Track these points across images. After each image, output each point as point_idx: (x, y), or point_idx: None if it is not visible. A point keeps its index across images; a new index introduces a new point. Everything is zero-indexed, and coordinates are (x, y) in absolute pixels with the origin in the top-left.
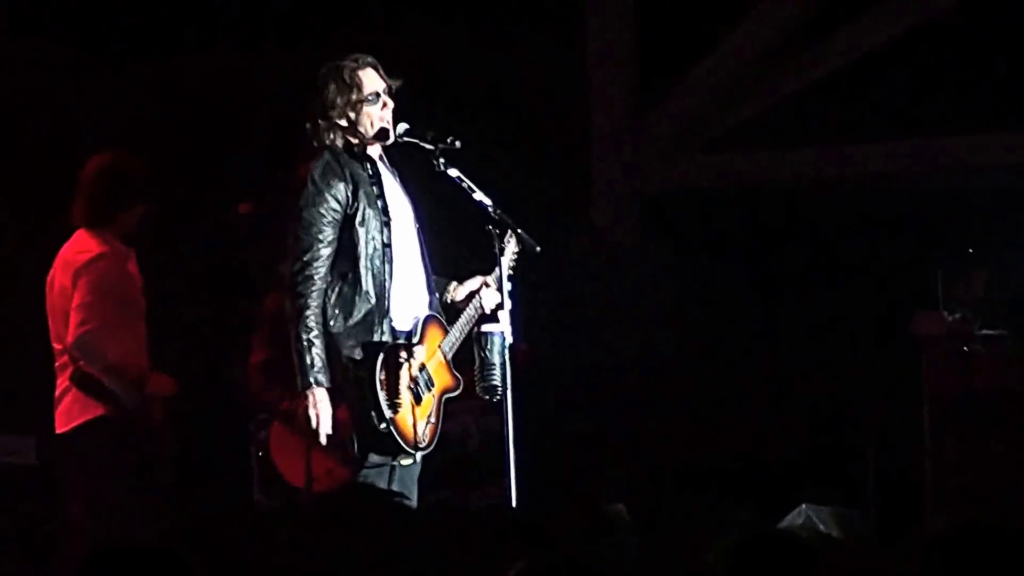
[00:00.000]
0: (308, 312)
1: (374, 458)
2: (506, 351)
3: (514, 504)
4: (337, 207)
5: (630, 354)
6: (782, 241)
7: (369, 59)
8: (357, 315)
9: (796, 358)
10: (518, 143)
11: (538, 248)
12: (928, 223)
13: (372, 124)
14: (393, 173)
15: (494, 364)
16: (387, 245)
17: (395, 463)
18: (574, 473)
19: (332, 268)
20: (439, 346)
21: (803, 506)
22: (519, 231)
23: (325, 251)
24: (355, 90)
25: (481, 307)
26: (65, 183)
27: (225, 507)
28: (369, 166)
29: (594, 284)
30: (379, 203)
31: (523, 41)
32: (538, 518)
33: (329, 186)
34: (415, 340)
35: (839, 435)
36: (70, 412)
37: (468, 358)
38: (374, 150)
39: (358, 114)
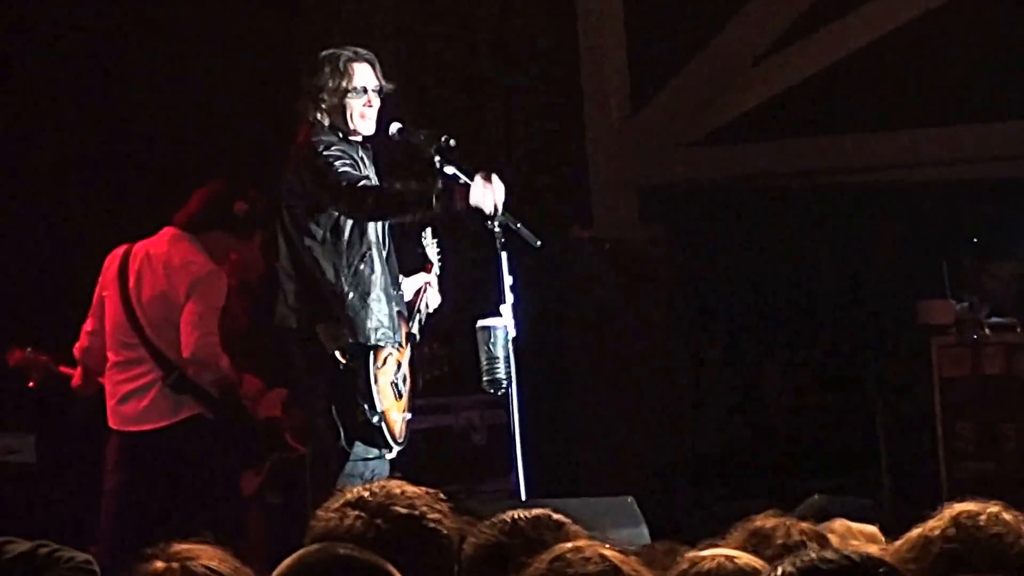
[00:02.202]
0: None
1: (358, 450)
2: (510, 345)
3: (523, 498)
4: (338, 150)
5: (631, 346)
6: (783, 232)
7: (367, 55)
8: (374, 292)
9: (802, 348)
10: (515, 138)
11: (538, 243)
12: (935, 212)
13: (352, 116)
14: (379, 175)
15: (498, 358)
16: (388, 226)
17: (379, 456)
18: (580, 466)
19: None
20: (408, 344)
21: (815, 496)
22: (519, 225)
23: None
24: (345, 79)
25: (427, 307)
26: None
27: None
28: (360, 149)
29: (593, 277)
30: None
31: (517, 35)
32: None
33: (325, 137)
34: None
35: (852, 423)
36: (161, 410)
37: (472, 352)
38: (360, 139)
39: (342, 102)
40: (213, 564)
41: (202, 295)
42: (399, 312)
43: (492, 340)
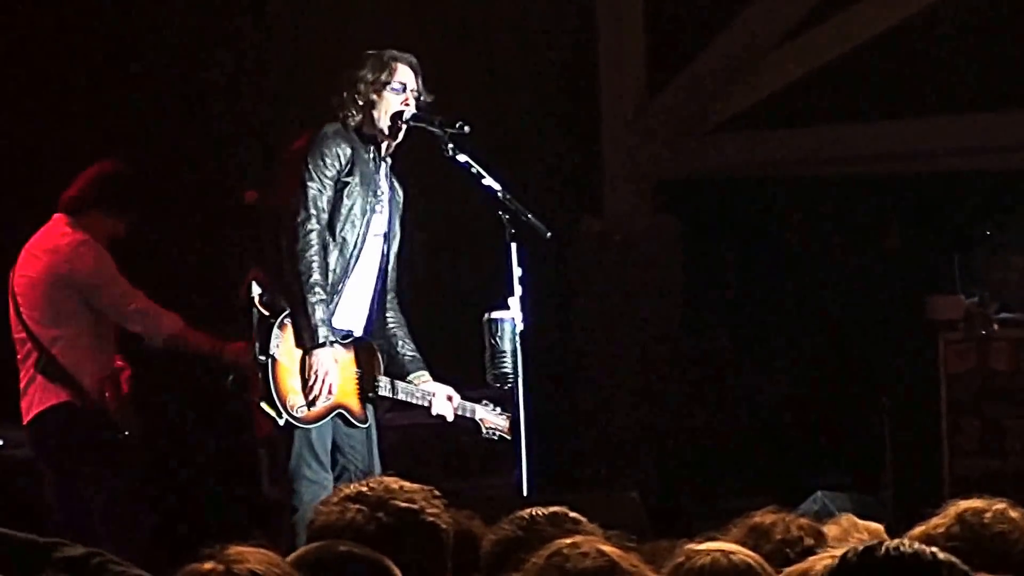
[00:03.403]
0: (314, 266)
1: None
2: (517, 338)
3: (526, 493)
4: (338, 164)
5: (642, 338)
6: (795, 223)
7: (411, 59)
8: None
9: (811, 342)
10: (528, 128)
11: (548, 234)
12: (947, 204)
13: (387, 112)
14: (392, 187)
15: (505, 352)
16: (366, 229)
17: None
18: (585, 462)
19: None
20: (362, 371)
21: (818, 493)
22: (529, 216)
23: (325, 201)
24: (386, 73)
25: (430, 404)
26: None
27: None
28: (374, 151)
29: (605, 268)
30: (372, 187)
31: (532, 26)
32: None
33: (335, 143)
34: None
35: (855, 420)
36: (32, 401)
37: (478, 346)
38: (383, 145)
39: (379, 97)
40: (259, 569)
41: (98, 261)
42: (372, 345)
43: (499, 333)
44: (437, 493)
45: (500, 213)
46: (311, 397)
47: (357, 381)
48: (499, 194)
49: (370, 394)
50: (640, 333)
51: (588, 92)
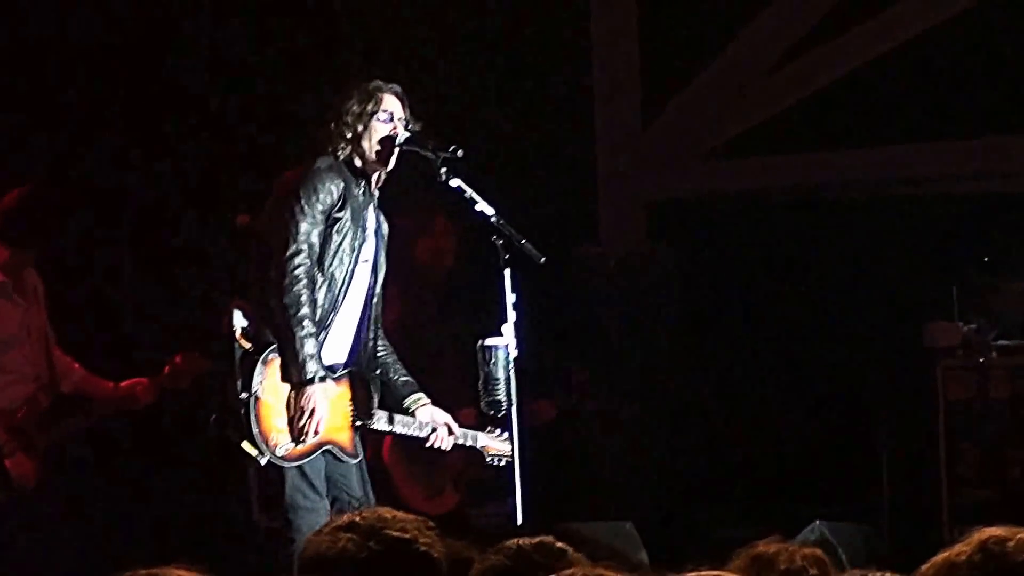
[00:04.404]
0: (303, 300)
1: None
2: (511, 365)
3: (520, 521)
4: (330, 199)
5: (637, 364)
6: (792, 249)
7: (397, 88)
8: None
9: (808, 369)
10: (522, 153)
11: (542, 259)
12: (945, 230)
13: (374, 142)
14: (378, 218)
15: (498, 379)
16: (354, 264)
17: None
18: (579, 490)
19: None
20: (353, 406)
21: (817, 522)
22: (522, 241)
23: (316, 236)
24: (372, 103)
25: (428, 436)
26: None
27: (224, 526)
28: (364, 185)
29: (600, 293)
30: (361, 222)
31: (528, 50)
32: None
33: (328, 179)
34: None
35: (853, 448)
36: None
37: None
38: (373, 177)
39: (366, 127)
40: None
41: None
42: (364, 378)
43: (493, 360)
44: (431, 523)
45: (493, 239)
46: (298, 434)
47: (349, 415)
48: (492, 219)
49: (366, 424)
50: (635, 358)
51: (583, 117)
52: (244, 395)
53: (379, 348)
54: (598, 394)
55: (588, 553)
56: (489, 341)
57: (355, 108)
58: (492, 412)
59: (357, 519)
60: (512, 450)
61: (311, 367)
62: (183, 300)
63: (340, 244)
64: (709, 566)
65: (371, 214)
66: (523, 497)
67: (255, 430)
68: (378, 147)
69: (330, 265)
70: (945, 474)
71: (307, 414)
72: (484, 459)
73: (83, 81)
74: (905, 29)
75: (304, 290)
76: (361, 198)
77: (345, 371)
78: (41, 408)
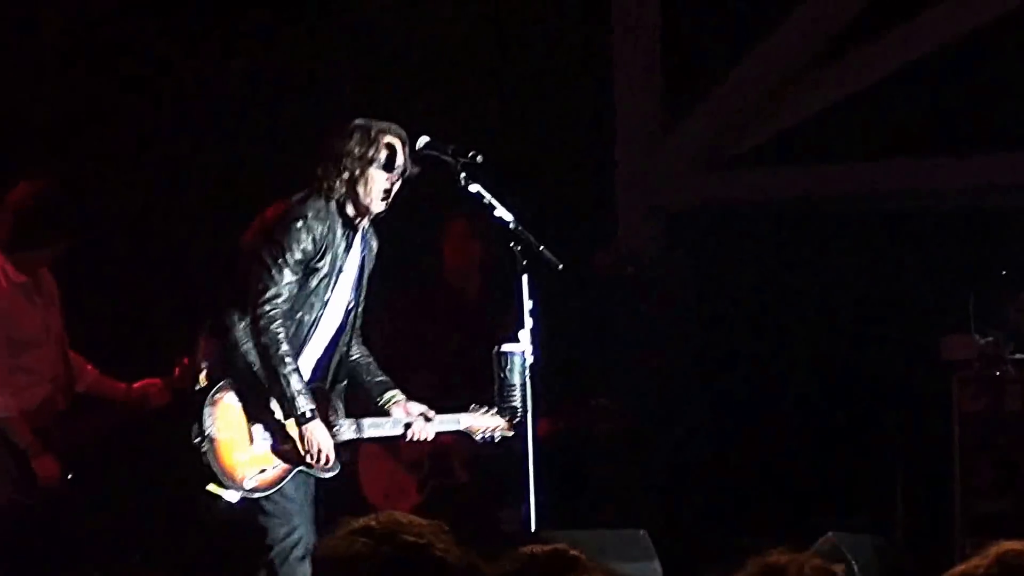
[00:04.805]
0: (281, 338)
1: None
2: (527, 371)
3: (533, 528)
4: (308, 255)
5: (653, 372)
6: (809, 259)
7: (400, 131)
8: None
9: (823, 379)
10: (542, 159)
11: (560, 265)
12: (961, 243)
13: (370, 189)
14: (364, 249)
15: (514, 385)
16: (321, 311)
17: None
18: (593, 497)
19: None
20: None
21: (830, 533)
22: (541, 247)
23: (293, 287)
24: (373, 148)
25: (405, 431)
26: None
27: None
28: (349, 235)
29: (618, 301)
30: (337, 266)
31: (548, 58)
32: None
33: (313, 228)
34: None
35: (868, 459)
36: None
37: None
38: (360, 221)
39: (364, 172)
40: None
41: None
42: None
43: (509, 366)
44: (446, 528)
45: (512, 244)
46: (321, 469)
47: None
48: (511, 225)
49: (333, 438)
50: (652, 366)
51: (603, 124)
52: (198, 439)
53: (353, 354)
54: (613, 416)
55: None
56: (506, 347)
57: (355, 151)
58: (507, 418)
59: (372, 523)
60: (526, 457)
61: (301, 403)
62: (193, 300)
63: (314, 289)
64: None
65: (355, 250)
66: (536, 504)
67: (217, 470)
68: (372, 196)
69: (299, 310)
70: (960, 486)
71: (314, 452)
72: (453, 467)
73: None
74: (926, 41)
75: (281, 328)
76: (343, 242)
77: (315, 388)
78: (59, 409)
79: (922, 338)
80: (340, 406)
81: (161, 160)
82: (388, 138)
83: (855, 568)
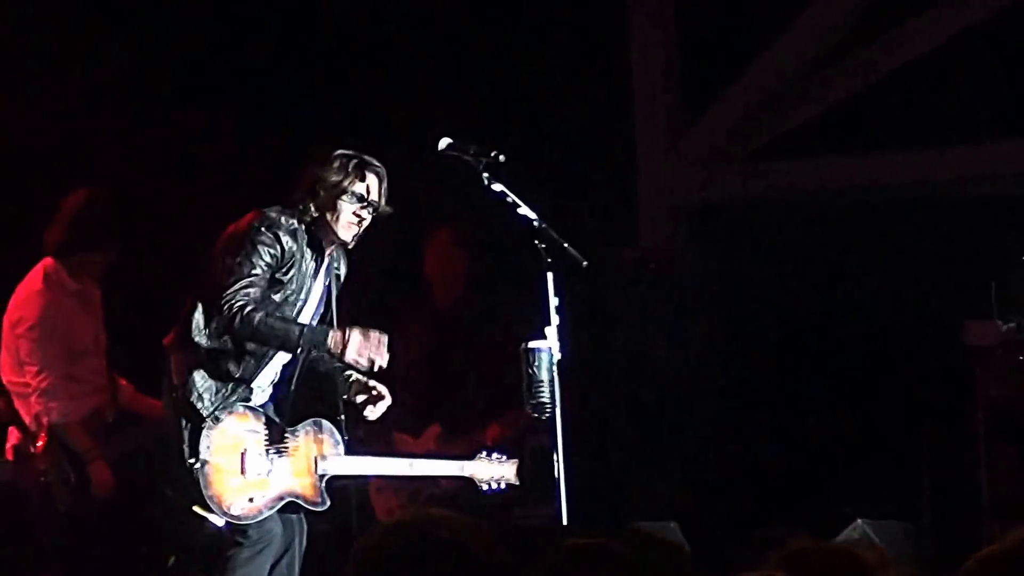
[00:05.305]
0: (253, 313)
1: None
2: (554, 368)
3: (564, 523)
4: (275, 261)
5: (677, 367)
6: (831, 249)
7: (379, 168)
8: (232, 364)
9: (846, 369)
10: (563, 157)
11: (584, 263)
12: (983, 230)
13: (339, 219)
14: (331, 272)
15: (542, 381)
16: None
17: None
18: (623, 491)
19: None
20: (315, 456)
21: (859, 520)
22: (564, 244)
23: (260, 280)
24: (348, 179)
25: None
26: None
27: None
28: (317, 259)
29: (641, 296)
30: (305, 288)
31: (567, 56)
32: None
33: (282, 240)
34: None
35: (894, 446)
36: None
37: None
38: (329, 248)
39: (335, 201)
40: None
41: (29, 325)
42: (327, 426)
43: (536, 362)
44: (481, 525)
45: (536, 242)
46: (374, 365)
47: (311, 464)
48: (535, 223)
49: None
50: (676, 361)
51: (623, 120)
52: (192, 461)
53: (320, 366)
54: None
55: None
56: (533, 344)
57: (332, 179)
58: (536, 414)
59: (407, 519)
60: (556, 452)
61: (307, 334)
62: None
63: (279, 305)
64: (753, 567)
65: (320, 277)
66: (567, 499)
67: (207, 494)
68: (339, 225)
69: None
70: (985, 471)
71: (372, 349)
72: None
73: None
74: (945, 30)
75: (252, 310)
76: (312, 264)
77: (310, 421)
78: (106, 420)
79: (945, 325)
80: (338, 440)
81: (207, 174)
82: (364, 171)
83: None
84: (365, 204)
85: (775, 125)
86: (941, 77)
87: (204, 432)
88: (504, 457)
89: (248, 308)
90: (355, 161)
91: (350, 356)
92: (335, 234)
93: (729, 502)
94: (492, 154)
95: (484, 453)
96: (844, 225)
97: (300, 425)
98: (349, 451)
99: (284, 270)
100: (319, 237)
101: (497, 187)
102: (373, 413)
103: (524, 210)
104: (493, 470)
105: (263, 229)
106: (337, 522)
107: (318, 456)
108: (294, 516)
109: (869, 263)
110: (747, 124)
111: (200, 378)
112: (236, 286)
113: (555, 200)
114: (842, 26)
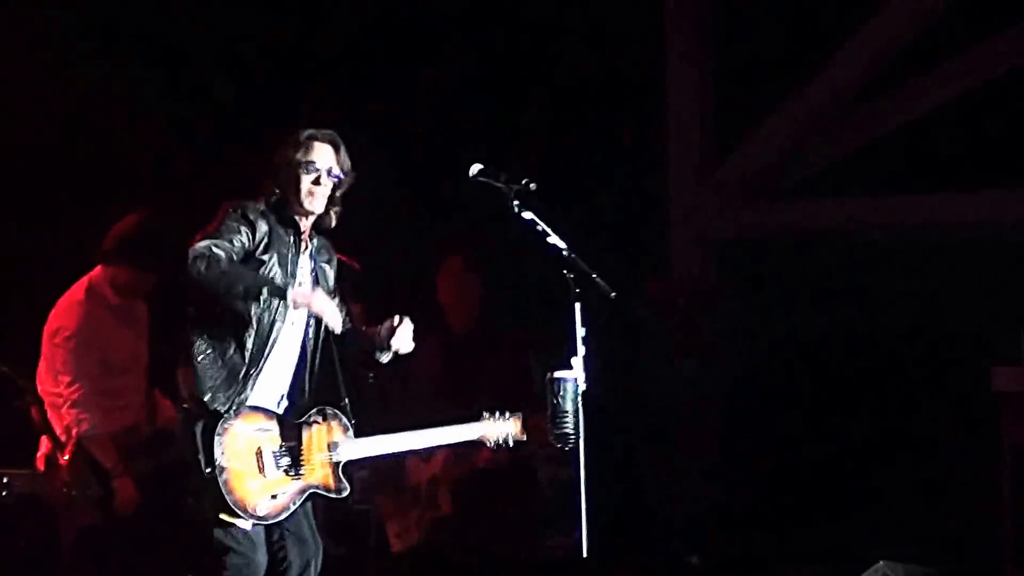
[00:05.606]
0: (218, 253)
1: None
2: (579, 399)
3: (585, 554)
4: (247, 238)
5: (704, 400)
6: (860, 290)
7: (331, 135)
8: (228, 357)
9: (873, 411)
10: (595, 188)
11: (613, 294)
12: (1011, 274)
13: (297, 192)
14: (319, 262)
15: (567, 411)
16: (284, 308)
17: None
18: (647, 521)
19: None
20: (329, 444)
21: (881, 563)
22: (594, 276)
23: (231, 247)
24: (300, 152)
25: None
26: None
27: None
28: (293, 235)
29: (669, 330)
30: (289, 270)
31: (602, 88)
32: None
33: (250, 217)
34: (294, 418)
35: (918, 489)
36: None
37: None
38: (304, 224)
39: (288, 176)
40: None
41: (67, 334)
42: (333, 412)
43: (562, 393)
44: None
45: (565, 272)
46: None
47: (326, 453)
48: (564, 253)
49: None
50: (702, 395)
51: (656, 154)
52: (209, 471)
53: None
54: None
55: None
56: (559, 374)
57: (286, 156)
58: (560, 445)
59: None
60: (578, 483)
61: (270, 285)
62: None
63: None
64: None
65: (305, 259)
66: (588, 529)
67: (229, 499)
68: (300, 195)
69: (256, 310)
70: (1009, 517)
71: (327, 310)
72: (438, 498)
73: None
74: (981, 73)
75: (218, 251)
76: (290, 247)
77: (315, 411)
78: (140, 438)
79: (972, 370)
80: (348, 425)
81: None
82: (312, 142)
83: None
84: (318, 171)
85: (807, 162)
86: (976, 119)
87: (216, 439)
88: (508, 414)
89: (216, 252)
90: (304, 134)
91: (316, 308)
92: (299, 205)
93: (753, 539)
94: (523, 182)
95: (487, 413)
96: (872, 265)
97: (307, 416)
98: (359, 434)
99: (261, 249)
100: (288, 214)
101: (527, 215)
102: (403, 339)
103: (554, 239)
104: (499, 428)
105: (230, 211)
106: (353, 547)
107: (331, 443)
108: (309, 538)
109: (896, 304)
110: (779, 161)
111: (208, 379)
112: (204, 241)
113: (585, 231)
114: (876, 66)
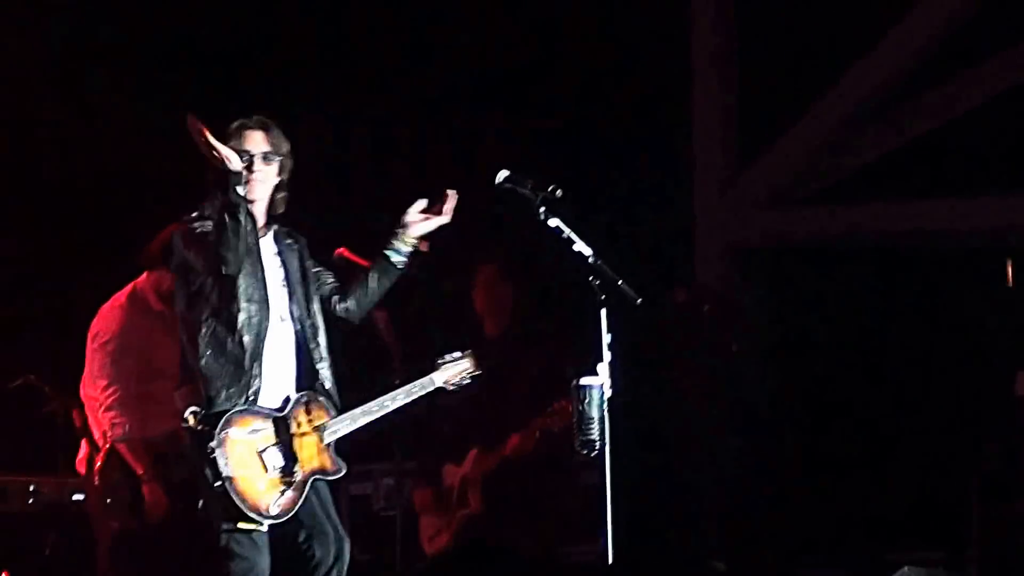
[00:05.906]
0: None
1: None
2: (605, 405)
3: (611, 560)
4: (209, 224)
5: (728, 408)
6: (884, 296)
7: (262, 121)
8: (229, 351)
9: (897, 417)
10: (620, 195)
11: (639, 300)
12: None
13: (241, 181)
14: (282, 246)
15: (592, 418)
16: (265, 300)
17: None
18: (672, 529)
19: (207, 303)
20: (316, 427)
21: (905, 568)
22: (619, 282)
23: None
24: (232, 142)
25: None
26: None
27: None
28: (244, 213)
29: (694, 337)
30: (258, 264)
31: (627, 96)
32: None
33: (207, 212)
34: (277, 412)
35: (943, 495)
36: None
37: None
38: (257, 209)
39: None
40: None
41: (104, 339)
42: (308, 396)
43: (587, 399)
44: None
45: (590, 279)
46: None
47: (316, 436)
48: (590, 259)
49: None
50: (727, 402)
51: (680, 161)
52: (218, 484)
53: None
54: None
55: None
56: (584, 380)
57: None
58: (585, 451)
59: None
60: (604, 490)
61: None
62: None
63: (236, 283)
64: None
65: (268, 243)
66: (614, 536)
67: (244, 507)
68: (246, 188)
69: (243, 316)
70: None
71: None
72: (468, 497)
73: None
74: (1003, 79)
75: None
76: (245, 218)
77: (295, 399)
78: (181, 444)
79: (997, 374)
80: (329, 405)
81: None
82: (247, 132)
83: None
84: (251, 158)
85: (831, 169)
86: (1000, 124)
87: (218, 452)
88: (458, 353)
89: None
90: (237, 124)
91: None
92: (248, 197)
93: (777, 545)
94: (549, 189)
95: (439, 359)
96: (897, 270)
97: (291, 405)
98: (341, 411)
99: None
100: (231, 199)
101: (553, 222)
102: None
103: (579, 246)
104: (455, 369)
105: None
106: (379, 553)
107: (318, 427)
108: (331, 530)
109: (922, 309)
110: (803, 168)
111: (216, 377)
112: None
113: (610, 238)
114: (900, 73)
